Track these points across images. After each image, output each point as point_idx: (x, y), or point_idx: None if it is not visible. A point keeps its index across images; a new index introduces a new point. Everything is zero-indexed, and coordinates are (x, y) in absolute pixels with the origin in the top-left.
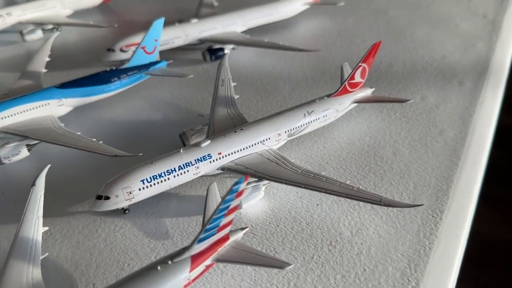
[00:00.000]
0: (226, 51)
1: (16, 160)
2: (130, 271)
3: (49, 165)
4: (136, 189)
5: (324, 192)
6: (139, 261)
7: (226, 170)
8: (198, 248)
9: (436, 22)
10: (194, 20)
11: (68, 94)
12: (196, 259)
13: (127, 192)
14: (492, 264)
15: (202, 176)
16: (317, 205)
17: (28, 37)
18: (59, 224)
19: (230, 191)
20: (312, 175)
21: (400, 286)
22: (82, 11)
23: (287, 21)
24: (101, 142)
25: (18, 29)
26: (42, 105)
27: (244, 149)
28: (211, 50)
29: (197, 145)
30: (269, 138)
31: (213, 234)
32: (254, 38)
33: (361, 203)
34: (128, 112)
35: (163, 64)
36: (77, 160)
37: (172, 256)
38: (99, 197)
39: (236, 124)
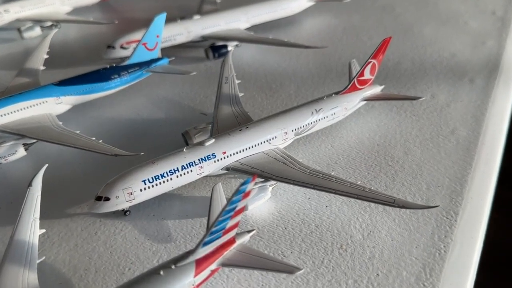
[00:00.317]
0: (229, 48)
1: (12, 159)
2: (131, 276)
3: (46, 165)
4: (137, 189)
5: (334, 193)
6: (141, 265)
7: (231, 170)
8: (203, 251)
9: (444, 20)
10: (197, 17)
11: (66, 91)
12: (201, 263)
13: (127, 193)
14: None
15: (206, 176)
16: (326, 206)
17: (26, 34)
18: (57, 227)
19: (237, 192)
20: (321, 175)
21: None
22: (82, 8)
23: (292, 18)
24: (100, 141)
25: (16, 26)
26: (40, 103)
27: (249, 148)
28: (214, 47)
29: (201, 144)
30: (276, 137)
31: (219, 237)
32: (258, 35)
33: (372, 204)
34: (129, 111)
35: (165, 61)
36: (75, 160)
37: (176, 260)
38: (99, 198)
39: (241, 122)
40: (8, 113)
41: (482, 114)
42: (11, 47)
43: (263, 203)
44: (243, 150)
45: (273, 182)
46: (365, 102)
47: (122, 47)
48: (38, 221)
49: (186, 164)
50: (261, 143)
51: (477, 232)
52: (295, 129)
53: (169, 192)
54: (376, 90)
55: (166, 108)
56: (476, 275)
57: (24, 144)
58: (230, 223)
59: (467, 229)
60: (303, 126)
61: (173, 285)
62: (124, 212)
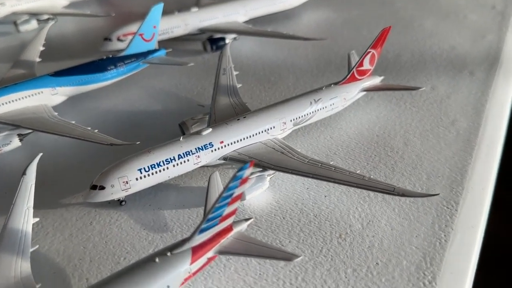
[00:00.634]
0: (227, 41)
1: (7, 150)
2: (126, 265)
3: (41, 154)
4: (133, 178)
5: (333, 182)
6: (136, 255)
7: (229, 160)
8: (199, 239)
9: (444, 13)
10: (194, 9)
11: (62, 82)
12: (197, 250)
13: (123, 182)
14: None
15: (203, 166)
16: (325, 196)
17: (22, 28)
18: (51, 216)
19: (234, 178)
20: (320, 164)
21: (416, 280)
22: (79, 2)
23: (291, 12)
24: (96, 130)
25: (12, 20)
26: (35, 94)
27: (247, 138)
28: (212, 40)
29: (198, 133)
30: (274, 127)
31: (216, 224)
32: (256, 28)
33: (371, 194)
34: (125, 102)
35: (162, 53)
36: (71, 150)
37: (172, 248)
38: (94, 187)
39: (239, 113)
40: (2, 104)
41: (482, 106)
42: (7, 40)
43: (261, 193)
44: (240, 140)
45: (271, 172)
46: (364, 92)
47: (119, 39)
48: (32, 210)
49: (183, 153)
50: (259, 133)
51: (478, 221)
52: (294, 119)
53: (166, 182)
54: (376, 80)
55: (163, 99)
56: (477, 264)
57: (19, 135)
58: (227, 210)
59: (468, 218)
60: (302, 116)
61: (169, 272)
62: (119, 202)
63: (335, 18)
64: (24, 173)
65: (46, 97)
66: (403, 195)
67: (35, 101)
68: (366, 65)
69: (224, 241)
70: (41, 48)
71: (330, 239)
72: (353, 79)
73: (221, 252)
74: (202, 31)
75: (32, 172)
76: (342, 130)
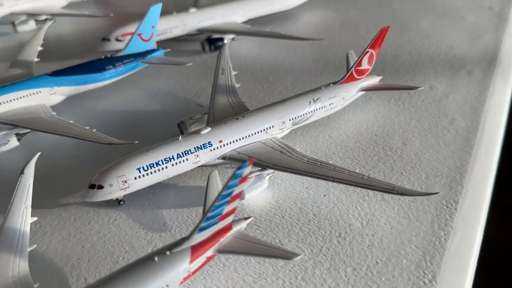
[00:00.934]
0: (225, 41)
1: (5, 150)
2: (124, 265)
3: (39, 153)
4: (131, 177)
5: (333, 181)
6: (135, 254)
7: (228, 159)
8: (198, 238)
9: (441, 14)
10: (193, 10)
11: (60, 82)
12: (196, 249)
13: (122, 181)
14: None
15: (202, 165)
16: (324, 195)
17: (20, 28)
18: (49, 216)
19: (234, 176)
20: (319, 163)
21: (416, 279)
22: (77, 2)
23: (289, 13)
24: (94, 130)
25: (10, 20)
26: (33, 93)
27: (246, 137)
28: (210, 40)
29: (197, 132)
30: (273, 126)
31: (215, 223)
32: (255, 28)
33: (370, 193)
34: (124, 102)
35: (161, 53)
36: (69, 150)
37: (171, 247)
38: (92, 186)
39: (238, 112)
40: (0, 103)
41: (481, 105)
42: (5, 40)
43: (260, 192)
44: (240, 139)
45: (270, 171)
46: (363, 92)
47: (117, 40)
48: (29, 209)
49: (182, 153)
50: (258, 132)
51: (478, 221)
52: (293, 119)
53: (164, 181)
54: (374, 80)
55: (162, 100)
56: (477, 263)
57: (17, 134)
58: (227, 208)
59: (468, 218)
60: (301, 116)
61: (168, 271)
62: (118, 202)
63: (333, 19)
64: (22, 172)
65: (44, 97)
66: (402, 194)
67: (33, 101)
68: (365, 64)
69: (224, 240)
70: (39, 48)
71: (329, 238)
72: (351, 78)
73: (221, 251)
74: (201, 31)
75: (30, 171)
76: (341, 130)
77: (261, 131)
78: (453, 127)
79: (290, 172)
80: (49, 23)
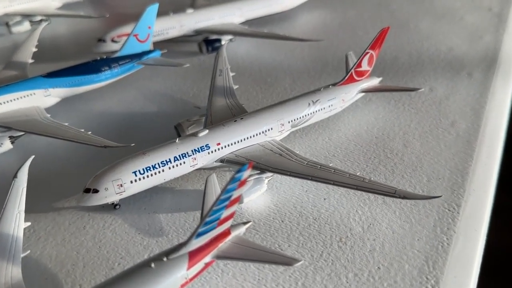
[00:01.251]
0: (223, 42)
1: None
2: (120, 271)
3: (32, 156)
4: (127, 181)
5: (333, 184)
6: (131, 260)
7: (226, 162)
8: (196, 243)
9: (440, 15)
10: (190, 10)
11: (55, 83)
12: (194, 255)
13: (117, 185)
14: None
15: (200, 169)
16: (325, 199)
17: (15, 29)
18: (43, 221)
19: (233, 180)
20: (319, 166)
21: (418, 284)
22: (72, 3)
23: (287, 13)
24: (90, 132)
25: (4, 21)
26: (28, 95)
27: (245, 139)
28: (208, 41)
29: (194, 135)
30: (272, 129)
31: (213, 228)
32: (253, 29)
33: (371, 196)
34: (120, 104)
35: (157, 54)
36: (64, 153)
37: (168, 253)
38: (87, 191)
39: (236, 114)
40: None
41: (482, 107)
42: None
43: (259, 196)
44: (238, 142)
45: (269, 174)
46: (362, 94)
47: (113, 41)
48: (23, 214)
49: (179, 156)
50: (257, 135)
51: (481, 224)
52: (292, 121)
53: (161, 185)
54: (374, 82)
55: (158, 101)
56: (480, 268)
57: (10, 137)
58: (225, 213)
59: (470, 221)
60: (300, 118)
61: (165, 278)
62: (113, 206)
63: (332, 20)
64: (15, 176)
65: (39, 99)
66: (405, 197)
67: (27, 103)
68: (365, 66)
69: (222, 245)
70: (34, 49)
71: (330, 243)
72: (351, 80)
73: (219, 257)
74: (198, 32)
75: (24, 175)
76: (341, 132)
77: (259, 133)
78: (454, 129)
79: (290, 175)
80: (44, 24)
